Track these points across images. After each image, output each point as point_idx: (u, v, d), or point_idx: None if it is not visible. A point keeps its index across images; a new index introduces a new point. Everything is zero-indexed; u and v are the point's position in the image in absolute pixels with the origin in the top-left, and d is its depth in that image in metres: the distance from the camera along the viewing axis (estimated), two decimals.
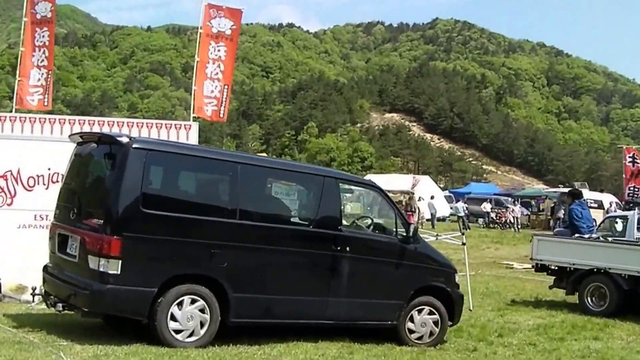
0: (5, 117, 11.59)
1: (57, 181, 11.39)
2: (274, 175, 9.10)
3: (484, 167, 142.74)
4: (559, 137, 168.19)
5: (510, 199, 50.84)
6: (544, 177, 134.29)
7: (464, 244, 13.04)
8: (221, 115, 14.14)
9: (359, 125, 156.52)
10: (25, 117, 11.59)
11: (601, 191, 51.44)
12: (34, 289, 9.28)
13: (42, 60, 12.72)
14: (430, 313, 9.60)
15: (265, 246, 8.45)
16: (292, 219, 9.11)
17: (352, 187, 9.83)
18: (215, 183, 8.63)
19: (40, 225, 11.31)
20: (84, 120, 11.76)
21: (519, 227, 42.75)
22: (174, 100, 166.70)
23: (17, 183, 11.38)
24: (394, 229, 9.56)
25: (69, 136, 9.13)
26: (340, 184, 9.32)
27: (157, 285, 7.69)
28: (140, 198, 7.67)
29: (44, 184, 11.45)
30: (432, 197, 44.26)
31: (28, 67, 12.71)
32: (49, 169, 11.44)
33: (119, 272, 7.48)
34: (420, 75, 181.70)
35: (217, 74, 13.98)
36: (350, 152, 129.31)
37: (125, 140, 7.87)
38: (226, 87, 14.29)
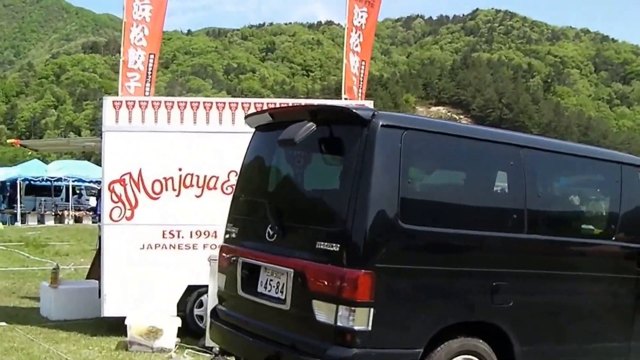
0: (121, 102, 8.70)
1: (192, 185, 8.65)
2: (565, 164, 5.96)
3: None
4: (612, 124, 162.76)
5: None
6: None
7: None
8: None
9: None
10: (147, 102, 8.73)
11: None
12: (209, 349, 6.44)
13: (140, 39, 10.03)
14: None
15: (560, 272, 5.54)
16: (587, 230, 6.14)
17: None
18: (493, 179, 5.51)
19: (170, 245, 8.56)
20: (224, 103, 8.82)
21: None
22: None
23: (138, 190, 8.60)
24: None
25: (246, 117, 6.07)
26: None
27: (422, 345, 4.80)
28: (397, 207, 4.73)
29: (174, 190, 8.64)
30: None
31: (126, 44, 10.06)
32: (180, 170, 8.66)
33: (369, 327, 4.59)
34: (465, 67, 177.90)
35: (356, 45, 11.35)
36: None
37: (367, 114, 4.95)
38: (364, 62, 11.58)
